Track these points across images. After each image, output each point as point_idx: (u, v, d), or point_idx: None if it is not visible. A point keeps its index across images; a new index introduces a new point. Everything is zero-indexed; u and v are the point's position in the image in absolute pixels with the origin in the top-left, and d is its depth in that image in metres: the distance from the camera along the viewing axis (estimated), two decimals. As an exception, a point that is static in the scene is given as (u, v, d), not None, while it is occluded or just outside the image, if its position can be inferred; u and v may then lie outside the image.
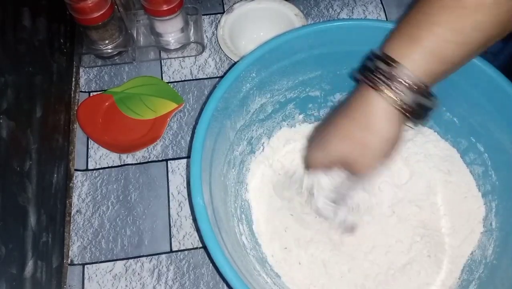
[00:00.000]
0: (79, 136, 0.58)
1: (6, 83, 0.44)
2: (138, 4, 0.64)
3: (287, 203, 0.50)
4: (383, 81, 0.36)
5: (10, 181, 0.42)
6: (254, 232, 0.49)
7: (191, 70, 0.63)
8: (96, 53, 0.62)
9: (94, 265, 0.50)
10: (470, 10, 0.34)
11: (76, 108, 0.59)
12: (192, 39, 0.64)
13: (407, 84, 0.35)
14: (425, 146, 0.52)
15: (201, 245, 0.51)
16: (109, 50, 0.62)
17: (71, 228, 0.52)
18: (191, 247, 0.51)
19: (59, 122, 0.56)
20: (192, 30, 0.65)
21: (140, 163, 0.56)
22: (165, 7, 0.57)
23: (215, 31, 0.65)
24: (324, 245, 0.48)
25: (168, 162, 0.56)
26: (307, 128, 0.55)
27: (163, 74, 0.62)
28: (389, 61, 0.36)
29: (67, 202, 0.54)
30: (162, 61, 0.63)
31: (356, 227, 0.47)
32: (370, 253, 0.48)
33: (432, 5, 0.35)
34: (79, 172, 0.55)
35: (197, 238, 0.52)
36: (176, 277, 0.50)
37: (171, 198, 0.54)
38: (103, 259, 0.50)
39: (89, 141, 0.57)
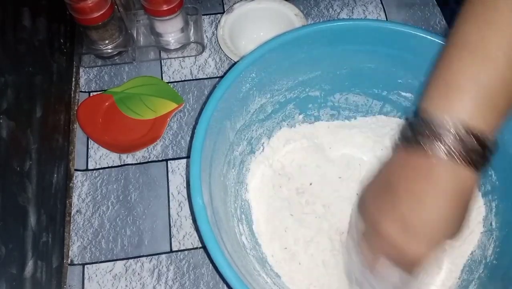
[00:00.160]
0: (79, 136, 0.58)
1: (6, 83, 0.44)
2: (138, 4, 0.64)
3: (287, 203, 0.50)
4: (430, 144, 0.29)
5: (10, 181, 0.42)
6: (254, 232, 0.49)
7: (191, 70, 0.63)
8: (96, 53, 0.62)
9: (94, 265, 0.50)
10: None
11: (76, 108, 0.59)
12: (192, 39, 0.64)
13: (456, 139, 0.28)
14: None
15: (201, 245, 0.51)
16: (109, 50, 0.62)
17: (71, 228, 0.52)
18: (191, 247, 0.51)
19: (59, 122, 0.56)
20: (192, 30, 0.65)
21: (140, 163, 0.56)
22: (165, 7, 0.57)
23: (215, 31, 0.65)
24: (324, 245, 0.48)
25: (168, 162, 0.56)
26: (307, 128, 0.55)
27: (163, 74, 0.62)
28: (427, 118, 0.29)
29: (67, 202, 0.54)
30: (162, 61, 0.63)
31: None
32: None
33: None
34: (79, 172, 0.55)
35: (197, 238, 0.52)
36: (176, 277, 0.50)
37: (171, 198, 0.54)
38: (103, 259, 0.50)
39: (89, 141, 0.57)
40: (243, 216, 0.48)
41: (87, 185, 0.54)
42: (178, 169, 0.56)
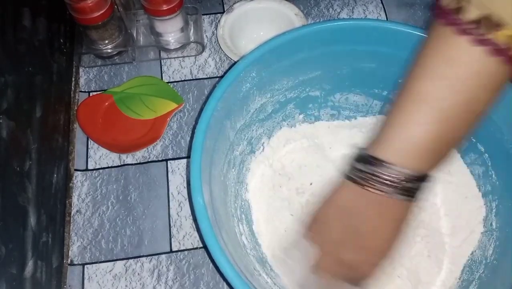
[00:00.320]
0: (79, 136, 0.58)
1: (6, 83, 0.44)
2: (138, 4, 0.64)
3: (287, 203, 0.50)
4: (369, 182, 0.35)
5: (10, 181, 0.42)
6: (254, 232, 0.49)
7: (191, 70, 0.63)
8: (96, 53, 0.62)
9: (94, 265, 0.50)
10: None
11: (76, 108, 0.59)
12: (192, 39, 0.64)
13: (391, 183, 0.34)
14: None
15: (201, 245, 0.51)
16: (109, 50, 0.62)
17: (71, 228, 0.52)
18: (191, 247, 0.51)
19: (59, 122, 0.56)
20: (192, 30, 0.65)
21: (140, 163, 0.56)
22: (165, 7, 0.57)
23: (215, 31, 0.65)
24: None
25: (168, 162, 0.56)
26: (307, 128, 0.55)
27: (163, 74, 0.62)
28: (370, 159, 0.35)
29: (67, 202, 0.54)
30: (162, 61, 0.63)
31: None
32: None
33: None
34: (79, 172, 0.55)
35: (197, 238, 0.52)
36: (176, 277, 0.50)
37: (171, 198, 0.54)
38: (103, 259, 0.50)
39: (89, 141, 0.57)
40: (243, 216, 0.48)
41: (87, 185, 0.54)
42: (178, 169, 0.56)
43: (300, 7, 0.65)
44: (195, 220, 0.52)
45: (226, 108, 0.43)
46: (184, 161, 0.56)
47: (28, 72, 0.49)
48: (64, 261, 0.50)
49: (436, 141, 0.33)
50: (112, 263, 0.50)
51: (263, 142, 0.53)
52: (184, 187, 0.54)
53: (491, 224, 0.47)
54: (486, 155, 0.47)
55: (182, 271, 0.50)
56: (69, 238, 0.51)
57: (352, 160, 0.37)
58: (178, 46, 0.63)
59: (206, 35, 0.66)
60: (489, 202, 0.48)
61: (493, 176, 0.47)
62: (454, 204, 0.50)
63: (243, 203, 0.49)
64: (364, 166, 0.35)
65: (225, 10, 0.66)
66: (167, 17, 0.58)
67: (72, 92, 0.61)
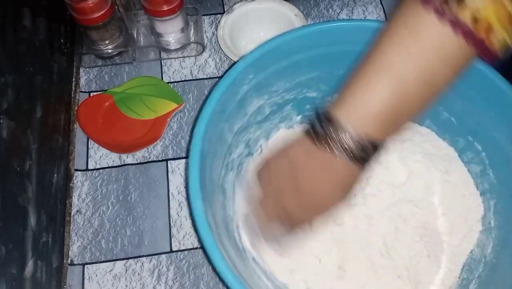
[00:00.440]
0: (79, 136, 0.58)
1: (6, 83, 0.44)
2: (138, 4, 0.64)
3: None
4: (324, 142, 0.35)
5: (10, 181, 0.42)
6: None
7: (191, 70, 0.63)
8: (96, 53, 0.62)
9: (94, 265, 0.50)
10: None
11: (76, 108, 0.59)
12: (192, 39, 0.64)
13: (346, 147, 0.35)
14: (422, 145, 0.52)
15: (201, 245, 0.51)
16: (109, 50, 0.62)
17: (71, 228, 0.52)
18: (191, 247, 0.51)
19: (59, 122, 0.56)
20: (192, 31, 0.65)
21: (140, 163, 0.56)
22: (165, 8, 0.57)
23: (215, 32, 0.65)
24: (323, 247, 0.48)
25: (168, 162, 0.56)
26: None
27: (163, 74, 0.62)
28: (326, 120, 0.35)
29: (67, 202, 0.54)
30: (162, 61, 0.63)
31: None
32: (370, 253, 0.48)
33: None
34: (79, 172, 0.55)
35: (197, 238, 0.52)
36: (176, 277, 0.50)
37: (171, 198, 0.54)
38: (103, 259, 0.51)
39: (89, 141, 0.57)
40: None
41: (87, 185, 0.54)
42: (178, 169, 0.56)
43: (300, 7, 0.65)
44: (194, 223, 0.52)
45: (223, 111, 0.42)
46: (184, 161, 0.56)
47: (28, 72, 0.49)
48: (64, 261, 0.50)
49: (393, 113, 0.34)
50: (112, 263, 0.50)
51: (261, 145, 0.53)
52: (184, 187, 0.55)
53: (490, 222, 0.47)
54: (484, 153, 0.48)
55: (182, 271, 0.50)
56: (69, 238, 0.52)
57: (312, 117, 0.38)
58: (178, 47, 0.63)
59: (206, 36, 0.66)
60: (487, 201, 0.48)
61: (491, 174, 0.47)
62: (452, 203, 0.50)
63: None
64: (321, 125, 0.36)
65: (225, 10, 0.66)
66: (168, 17, 0.59)
67: (72, 93, 0.61)
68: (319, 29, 0.45)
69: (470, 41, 0.32)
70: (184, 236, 0.52)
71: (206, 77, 0.62)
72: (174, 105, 0.59)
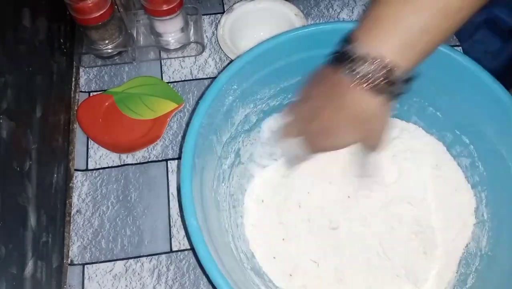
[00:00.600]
0: (79, 136, 0.58)
1: (6, 83, 0.44)
2: (138, 4, 0.64)
3: (279, 213, 0.50)
4: (349, 67, 0.36)
5: (10, 181, 0.42)
6: (249, 245, 0.48)
7: (191, 70, 0.63)
8: (96, 53, 0.62)
9: (94, 265, 0.50)
10: None
11: (76, 108, 0.59)
12: (192, 39, 0.64)
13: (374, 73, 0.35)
14: (411, 142, 0.52)
15: (198, 262, 0.51)
16: (109, 50, 0.62)
17: (71, 228, 0.52)
18: (191, 247, 0.51)
19: (59, 122, 0.56)
20: (192, 30, 0.65)
21: (140, 163, 0.56)
22: (165, 7, 0.57)
23: (215, 31, 0.65)
24: (320, 252, 0.48)
25: (168, 162, 0.56)
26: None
27: (163, 74, 0.62)
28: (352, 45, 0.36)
29: (67, 202, 0.54)
30: (162, 61, 0.63)
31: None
32: (367, 255, 0.48)
33: None
34: (79, 172, 0.55)
35: (193, 253, 0.51)
36: (176, 277, 0.50)
37: (171, 198, 0.54)
38: (103, 259, 0.50)
39: (89, 141, 0.57)
40: (237, 230, 0.48)
41: (87, 185, 0.54)
42: (178, 169, 0.56)
43: (300, 7, 0.65)
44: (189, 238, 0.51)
45: (211, 124, 0.43)
46: (184, 161, 0.56)
47: (28, 72, 0.49)
48: (64, 261, 0.50)
49: (417, 40, 0.35)
50: (112, 263, 0.50)
51: (251, 153, 0.53)
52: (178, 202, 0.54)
53: (483, 215, 0.47)
54: (472, 146, 0.48)
55: (182, 271, 0.50)
56: (69, 238, 0.52)
57: (339, 48, 0.38)
58: (178, 46, 0.63)
59: (206, 35, 0.66)
60: (478, 193, 0.48)
61: (480, 166, 0.47)
62: (444, 198, 0.50)
63: (236, 216, 0.49)
64: (344, 49, 0.36)
65: (225, 10, 0.66)
66: (167, 17, 0.59)
67: (72, 93, 0.61)
68: (296, 35, 0.45)
69: None
70: (184, 236, 0.52)
71: (206, 77, 0.62)
72: (174, 105, 0.59)
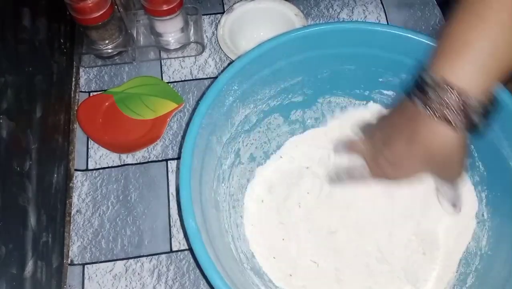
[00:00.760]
0: (79, 136, 0.58)
1: (6, 83, 0.44)
2: (138, 4, 0.64)
3: (279, 213, 0.50)
4: (431, 108, 0.35)
5: (10, 181, 0.42)
6: (249, 246, 0.48)
7: (191, 70, 0.63)
8: (96, 53, 0.62)
9: (94, 265, 0.50)
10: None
11: (76, 108, 0.59)
12: (192, 39, 0.64)
13: (454, 109, 0.33)
14: None
15: (196, 264, 0.51)
16: (109, 50, 0.62)
17: (71, 228, 0.52)
18: (191, 247, 0.51)
19: (59, 122, 0.56)
20: (192, 30, 0.65)
21: (140, 163, 0.56)
22: (165, 7, 0.57)
23: (215, 31, 0.65)
24: (319, 252, 0.48)
25: (168, 162, 0.56)
26: (292, 138, 0.54)
27: (163, 74, 0.62)
28: (433, 83, 0.34)
29: (67, 202, 0.54)
30: (162, 61, 0.63)
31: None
32: (366, 261, 0.48)
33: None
34: (79, 172, 0.55)
35: (191, 255, 0.51)
36: (176, 277, 0.50)
37: (171, 198, 0.54)
38: (103, 259, 0.50)
39: (89, 141, 0.57)
40: (237, 230, 0.48)
41: (87, 185, 0.54)
42: (178, 169, 0.55)
43: (300, 7, 0.65)
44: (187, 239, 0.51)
45: (211, 124, 0.42)
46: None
47: (28, 72, 0.49)
48: (64, 261, 0.50)
49: (493, 68, 0.33)
50: (112, 263, 0.50)
51: (251, 153, 0.53)
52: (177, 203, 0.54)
53: (483, 214, 0.47)
54: (472, 146, 0.48)
55: (182, 271, 0.50)
56: (69, 238, 0.52)
57: (412, 82, 0.37)
58: (178, 46, 0.63)
59: (206, 35, 0.66)
60: (478, 193, 0.48)
61: (480, 166, 0.47)
62: None
63: (235, 216, 0.49)
64: (423, 86, 0.35)
65: (225, 10, 0.66)
66: (167, 17, 0.59)
67: (72, 92, 0.61)
68: (296, 36, 0.45)
69: None
70: (184, 236, 0.52)
71: (206, 77, 0.62)
72: (174, 105, 0.59)
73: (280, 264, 0.47)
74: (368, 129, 0.46)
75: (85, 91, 0.61)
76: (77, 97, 0.61)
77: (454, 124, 0.34)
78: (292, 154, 0.54)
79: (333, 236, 0.49)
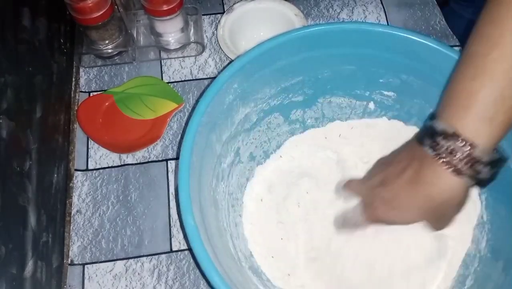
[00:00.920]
0: (79, 136, 0.58)
1: (6, 83, 0.44)
2: (138, 4, 0.64)
3: (279, 212, 0.50)
4: (441, 157, 0.35)
5: (10, 181, 0.42)
6: (247, 244, 0.48)
7: (191, 70, 0.63)
8: (96, 53, 0.62)
9: (94, 265, 0.50)
10: None
11: (76, 108, 0.59)
12: (192, 39, 0.64)
13: (464, 160, 0.34)
14: None
15: (195, 262, 0.51)
16: (109, 50, 0.62)
17: (71, 228, 0.52)
18: (189, 246, 0.51)
19: (59, 122, 0.56)
20: (192, 30, 0.65)
21: (140, 163, 0.56)
22: (165, 7, 0.57)
23: (215, 31, 0.65)
24: (320, 252, 0.48)
25: (168, 162, 0.56)
26: (292, 138, 0.55)
27: (163, 74, 0.62)
28: (442, 132, 0.35)
29: (67, 202, 0.54)
30: (162, 61, 0.63)
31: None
32: (368, 258, 0.47)
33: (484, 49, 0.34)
34: (79, 172, 0.55)
35: (190, 254, 0.51)
36: (176, 277, 0.50)
37: (171, 198, 0.54)
38: (103, 259, 0.51)
39: (89, 141, 0.57)
40: (236, 229, 0.48)
41: (87, 185, 0.54)
42: (177, 168, 0.55)
43: (300, 7, 0.65)
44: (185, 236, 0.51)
45: (210, 122, 0.42)
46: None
47: (28, 72, 0.49)
48: (64, 261, 0.50)
49: (504, 103, 0.33)
50: (112, 263, 0.50)
51: (251, 152, 0.53)
52: (176, 202, 0.54)
53: (482, 217, 0.47)
54: None
55: (182, 271, 0.50)
56: (69, 238, 0.52)
57: (427, 131, 0.37)
58: (178, 47, 0.63)
59: (206, 36, 0.66)
60: (478, 195, 0.48)
61: None
62: None
63: (234, 216, 0.49)
64: (441, 139, 0.35)
65: (225, 10, 0.66)
66: (167, 17, 0.59)
67: (72, 92, 0.61)
68: (297, 35, 0.45)
69: None
70: (184, 236, 0.52)
71: (206, 77, 0.62)
72: (174, 105, 0.59)
73: (279, 263, 0.47)
74: (368, 173, 0.45)
75: (85, 91, 0.61)
76: (77, 97, 0.61)
77: (459, 171, 0.35)
78: (292, 154, 0.54)
79: (332, 236, 0.49)
